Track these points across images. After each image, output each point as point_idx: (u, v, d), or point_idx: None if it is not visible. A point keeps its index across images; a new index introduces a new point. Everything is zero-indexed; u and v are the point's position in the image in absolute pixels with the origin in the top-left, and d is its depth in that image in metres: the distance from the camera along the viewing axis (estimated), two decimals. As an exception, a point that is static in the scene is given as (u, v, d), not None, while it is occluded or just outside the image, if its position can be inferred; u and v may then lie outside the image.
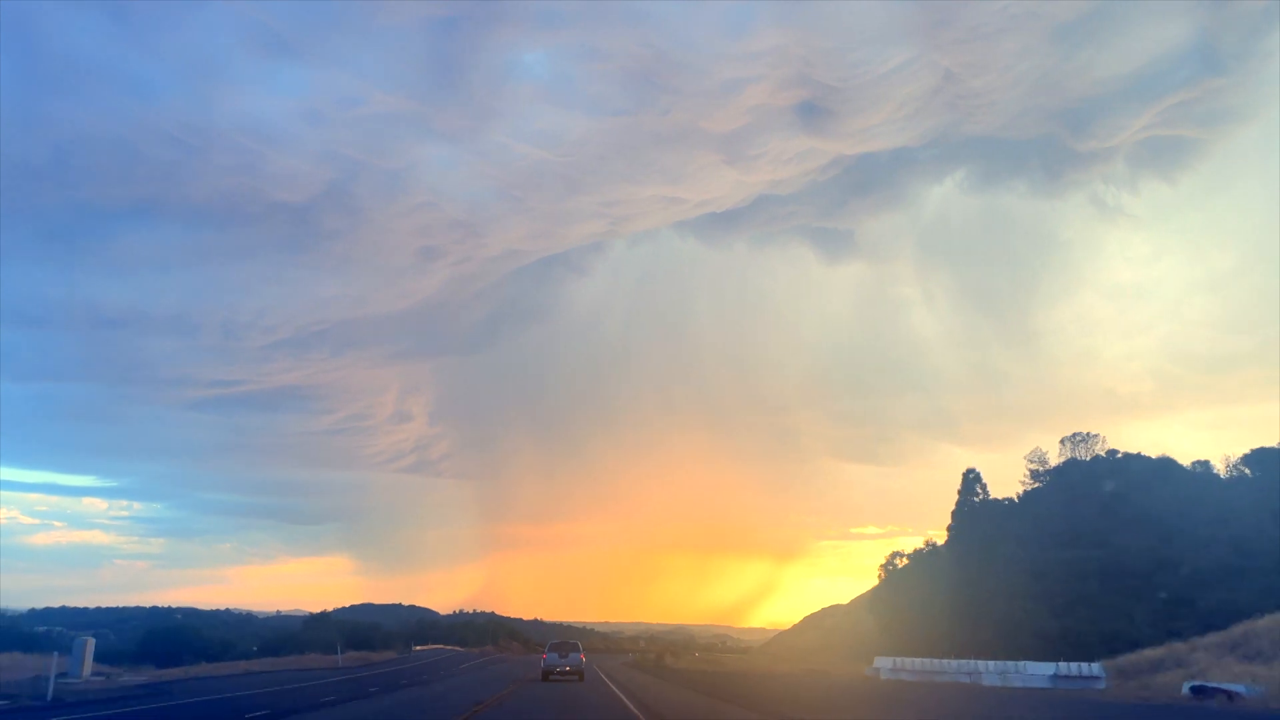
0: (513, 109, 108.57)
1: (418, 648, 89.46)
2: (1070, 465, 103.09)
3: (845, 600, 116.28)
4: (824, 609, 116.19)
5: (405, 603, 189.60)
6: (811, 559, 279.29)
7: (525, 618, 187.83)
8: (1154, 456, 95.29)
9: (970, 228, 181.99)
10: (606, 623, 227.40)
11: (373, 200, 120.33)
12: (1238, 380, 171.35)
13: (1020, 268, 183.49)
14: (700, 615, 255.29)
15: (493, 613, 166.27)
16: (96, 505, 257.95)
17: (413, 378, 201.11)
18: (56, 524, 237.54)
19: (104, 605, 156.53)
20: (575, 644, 51.10)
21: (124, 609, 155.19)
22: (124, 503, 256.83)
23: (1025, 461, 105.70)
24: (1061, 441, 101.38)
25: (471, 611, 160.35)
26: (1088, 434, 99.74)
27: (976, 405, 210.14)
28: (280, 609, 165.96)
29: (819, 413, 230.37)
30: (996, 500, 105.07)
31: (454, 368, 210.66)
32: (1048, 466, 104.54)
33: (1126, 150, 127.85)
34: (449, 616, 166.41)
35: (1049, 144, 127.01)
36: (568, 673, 46.89)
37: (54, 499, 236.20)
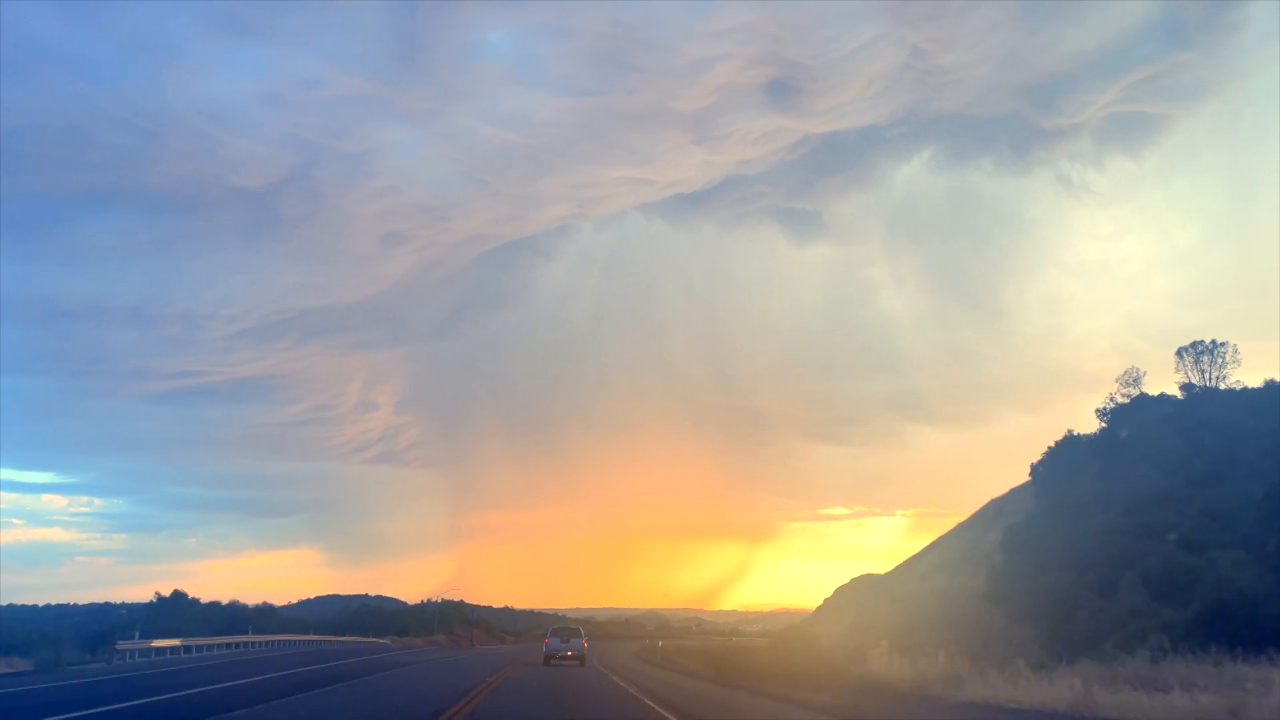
0: (477, 90, 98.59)
1: (160, 643, 43.37)
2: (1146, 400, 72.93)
3: (882, 570, 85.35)
4: (855, 580, 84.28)
5: (373, 593, 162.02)
6: (782, 541, 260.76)
7: (495, 605, 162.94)
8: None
9: (938, 207, 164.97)
10: (578, 608, 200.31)
11: (334, 185, 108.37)
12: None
13: (988, 246, 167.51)
14: (672, 599, 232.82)
15: (462, 601, 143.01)
16: (56, 502, 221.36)
17: (378, 366, 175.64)
18: (15, 522, 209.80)
19: (56, 602, 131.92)
20: (577, 629, 45.80)
21: (77, 606, 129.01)
22: (84, 499, 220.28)
23: (1118, 385, 73.59)
24: (1178, 354, 68.82)
25: (439, 601, 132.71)
26: (1214, 342, 67.47)
27: (945, 385, 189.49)
28: (250, 602, 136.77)
29: (789, 395, 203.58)
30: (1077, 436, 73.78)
31: (420, 356, 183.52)
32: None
33: (1092, 127, 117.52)
34: (414, 605, 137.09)
35: (1016, 121, 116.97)
36: (569, 657, 42.18)
37: (12, 496, 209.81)
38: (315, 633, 69.53)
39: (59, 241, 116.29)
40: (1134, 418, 72.00)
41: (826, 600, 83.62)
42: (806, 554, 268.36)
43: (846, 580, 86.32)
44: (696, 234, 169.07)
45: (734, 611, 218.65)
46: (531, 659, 47.92)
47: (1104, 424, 75.94)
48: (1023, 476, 74.52)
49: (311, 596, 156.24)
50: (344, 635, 73.00)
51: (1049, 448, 79.76)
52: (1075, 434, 72.96)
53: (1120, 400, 73.38)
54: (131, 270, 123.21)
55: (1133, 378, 73.37)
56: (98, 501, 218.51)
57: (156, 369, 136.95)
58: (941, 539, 75.72)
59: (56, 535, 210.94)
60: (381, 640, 71.81)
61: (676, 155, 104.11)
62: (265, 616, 64.48)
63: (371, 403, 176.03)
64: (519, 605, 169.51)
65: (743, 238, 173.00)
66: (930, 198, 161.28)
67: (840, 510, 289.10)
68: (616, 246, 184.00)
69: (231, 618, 60.41)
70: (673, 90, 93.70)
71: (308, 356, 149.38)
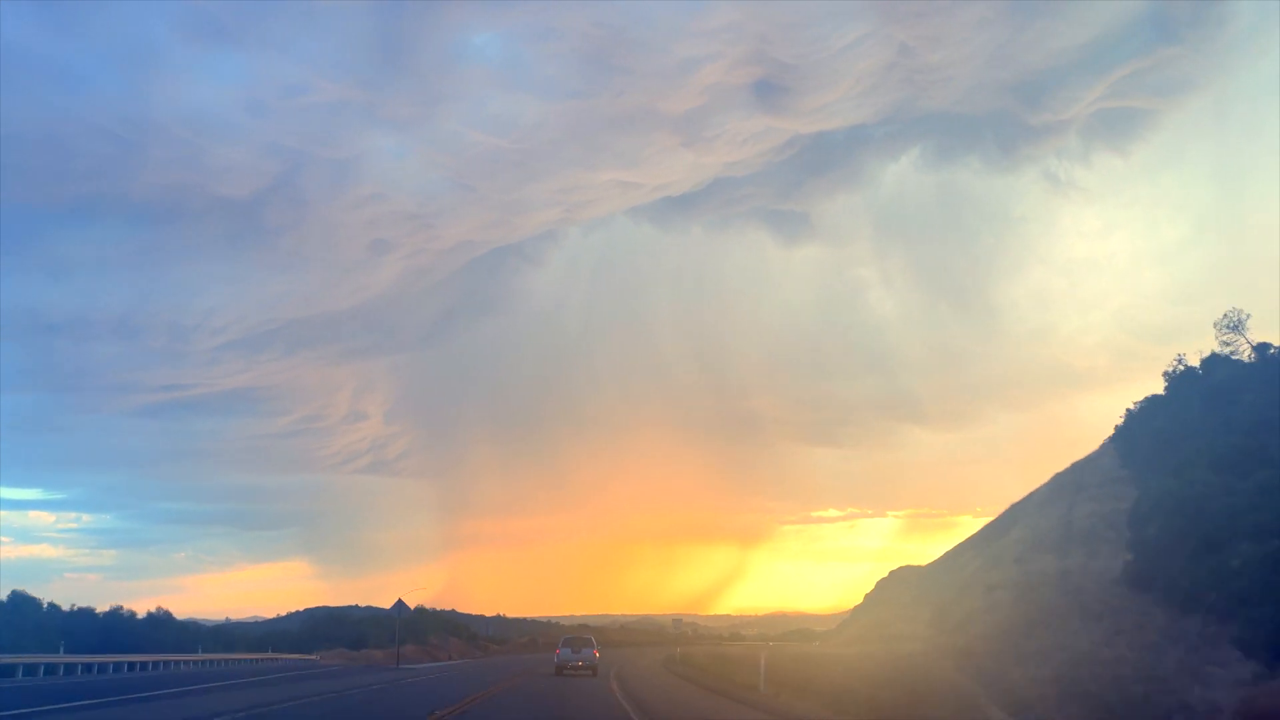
0: (463, 94, 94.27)
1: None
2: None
3: (922, 561, 70.50)
4: (894, 574, 68.58)
5: (362, 604, 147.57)
6: (775, 543, 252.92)
7: (487, 614, 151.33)
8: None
9: (926, 206, 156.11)
10: (571, 616, 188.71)
11: (320, 193, 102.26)
12: (1190, 350, 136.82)
13: (976, 245, 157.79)
14: (665, 605, 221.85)
15: (454, 610, 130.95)
16: (44, 518, 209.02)
17: (367, 376, 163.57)
18: (3, 539, 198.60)
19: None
20: (589, 639, 40.65)
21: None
22: (72, 515, 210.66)
23: (1215, 330, 58.13)
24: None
25: (410, 609, 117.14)
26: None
27: (935, 385, 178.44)
28: (240, 616, 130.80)
29: (779, 397, 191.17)
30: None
31: (409, 364, 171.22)
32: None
33: (1079, 123, 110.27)
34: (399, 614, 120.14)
35: (1003, 118, 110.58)
36: (580, 668, 37.01)
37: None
38: (245, 649, 52.82)
39: (40, 254, 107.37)
40: (1224, 368, 56.47)
41: (868, 596, 67.34)
42: (799, 556, 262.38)
43: (885, 574, 70.69)
44: (685, 237, 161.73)
45: (728, 616, 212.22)
46: (497, 690, 29.80)
47: (1167, 384, 61.57)
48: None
49: (300, 609, 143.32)
50: (284, 653, 56.07)
51: (1129, 410, 64.99)
52: (1171, 380, 57.67)
53: (1216, 350, 58.31)
54: (115, 282, 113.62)
55: (1234, 321, 57.86)
56: (85, 517, 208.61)
57: (142, 382, 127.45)
58: (1007, 515, 59.70)
59: (45, 552, 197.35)
60: (311, 657, 54.94)
61: (665, 158, 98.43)
62: (158, 628, 47.22)
63: (361, 412, 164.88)
64: (511, 614, 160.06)
65: (731, 240, 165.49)
66: (918, 197, 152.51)
67: (832, 512, 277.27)
68: (605, 251, 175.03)
69: (108, 629, 43.77)
70: (660, 92, 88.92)
71: (296, 367, 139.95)
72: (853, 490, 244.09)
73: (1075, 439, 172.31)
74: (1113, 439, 61.67)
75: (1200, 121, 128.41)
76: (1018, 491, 73.83)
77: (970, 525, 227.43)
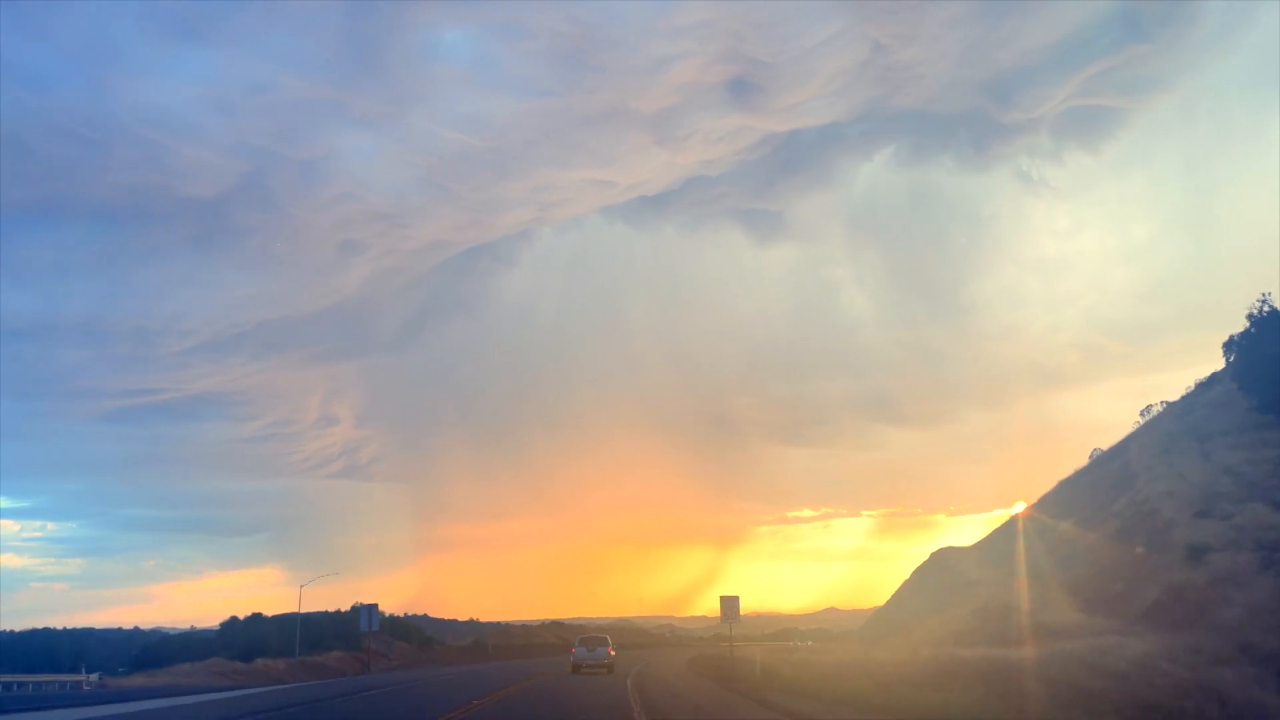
0: (435, 92, 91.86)
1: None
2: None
3: (966, 543, 57.57)
4: (938, 554, 54.90)
5: (331, 609, 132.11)
6: (751, 544, 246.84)
7: (460, 618, 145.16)
8: None
9: (899, 205, 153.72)
10: (547, 619, 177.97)
11: (289, 193, 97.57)
12: (1160, 348, 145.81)
13: (948, 244, 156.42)
14: (642, 607, 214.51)
15: (425, 614, 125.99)
16: (8, 527, 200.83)
17: (338, 379, 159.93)
18: None
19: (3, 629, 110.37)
20: (604, 638, 41.29)
21: (15, 634, 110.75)
22: (37, 523, 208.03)
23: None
24: None
25: (404, 615, 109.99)
26: None
27: (909, 384, 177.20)
28: (207, 624, 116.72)
29: (755, 398, 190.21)
30: None
31: (380, 367, 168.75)
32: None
33: (1050, 121, 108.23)
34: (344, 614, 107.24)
35: (975, 117, 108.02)
36: (596, 666, 37.51)
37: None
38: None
39: (2, 258, 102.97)
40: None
41: (907, 586, 53.06)
42: (775, 557, 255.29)
43: (925, 559, 55.81)
44: (659, 236, 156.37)
45: (705, 617, 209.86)
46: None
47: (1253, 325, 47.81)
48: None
49: (270, 615, 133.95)
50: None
51: (1238, 346, 51.77)
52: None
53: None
54: (79, 286, 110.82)
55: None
56: (51, 526, 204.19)
57: (108, 387, 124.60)
58: (1096, 474, 44.58)
59: (9, 561, 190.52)
60: (80, 678, 40.04)
61: (639, 156, 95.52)
62: None
63: (332, 416, 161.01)
64: (485, 618, 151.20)
65: (705, 240, 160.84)
66: (891, 196, 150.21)
67: (807, 513, 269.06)
68: (578, 251, 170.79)
69: None
70: (634, 90, 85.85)
71: (265, 371, 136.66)
72: (827, 490, 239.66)
73: (1046, 435, 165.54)
74: (1236, 380, 47.86)
75: (1169, 119, 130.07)
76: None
77: (946, 524, 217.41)
